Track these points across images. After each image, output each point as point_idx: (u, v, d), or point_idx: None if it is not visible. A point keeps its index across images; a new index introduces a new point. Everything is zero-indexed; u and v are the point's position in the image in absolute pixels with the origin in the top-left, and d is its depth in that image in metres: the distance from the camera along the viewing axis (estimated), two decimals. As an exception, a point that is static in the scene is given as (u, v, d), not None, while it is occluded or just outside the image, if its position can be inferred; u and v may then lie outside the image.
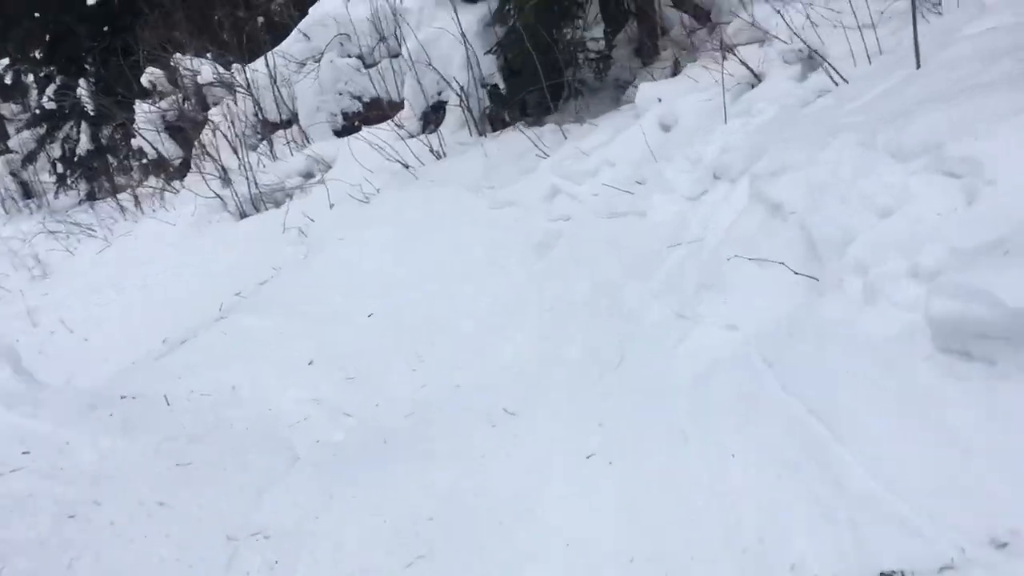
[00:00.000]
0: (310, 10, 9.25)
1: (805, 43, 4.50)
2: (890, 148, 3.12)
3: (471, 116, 7.52)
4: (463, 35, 7.15)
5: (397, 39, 8.25)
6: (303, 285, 6.06)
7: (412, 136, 7.87)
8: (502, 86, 7.32)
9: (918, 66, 3.76)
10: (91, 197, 12.77)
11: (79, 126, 12.93)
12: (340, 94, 9.00)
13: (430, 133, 7.75)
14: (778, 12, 4.87)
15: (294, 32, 9.32)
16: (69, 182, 13.51)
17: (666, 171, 4.83)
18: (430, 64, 7.52)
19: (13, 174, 14.24)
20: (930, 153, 2.93)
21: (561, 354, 4.14)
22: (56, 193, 13.62)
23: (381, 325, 5.24)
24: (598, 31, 7.79)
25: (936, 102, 3.21)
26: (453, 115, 7.66)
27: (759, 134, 4.39)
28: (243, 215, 8.43)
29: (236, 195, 8.49)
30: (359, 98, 8.98)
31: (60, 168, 13.51)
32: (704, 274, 3.72)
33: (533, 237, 5.40)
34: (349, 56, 8.91)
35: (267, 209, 8.31)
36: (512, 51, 6.96)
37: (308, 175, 8.45)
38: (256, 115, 9.67)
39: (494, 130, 7.52)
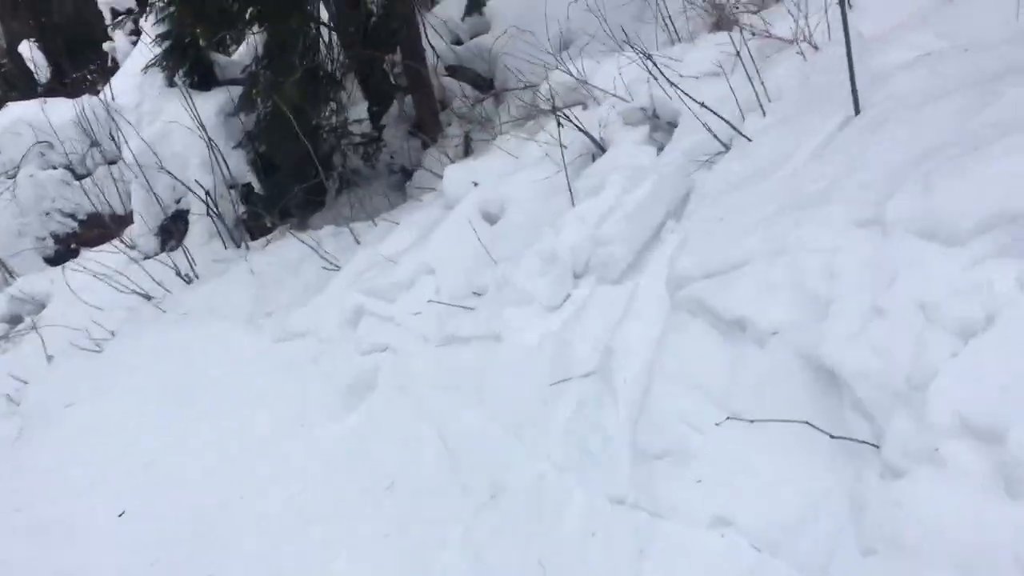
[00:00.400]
0: (-6, 118, 8.05)
1: (694, 100, 3.50)
2: (917, 226, 2.09)
3: (223, 225, 6.36)
4: (202, 128, 5.88)
5: (115, 141, 7.31)
6: (19, 478, 4.65)
7: (148, 257, 6.92)
8: (257, 185, 6.31)
9: (857, 111, 2.83)
10: None
11: None
12: (47, 214, 8.24)
13: (172, 251, 6.78)
14: (643, 65, 3.87)
15: (-23, 146, 8.05)
16: None
17: (514, 275, 3.65)
18: (161, 167, 6.50)
19: None
20: (1002, 228, 1.93)
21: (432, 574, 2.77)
22: None
23: (140, 530, 3.88)
24: (360, 110, 6.77)
25: (948, 151, 2.24)
26: (200, 225, 6.62)
27: (641, 216, 3.31)
28: (-72, 383, 6.73)
29: (-86, 359, 6.94)
30: (72, 216, 8.23)
31: None
32: (646, 433, 2.49)
33: (342, 379, 4.10)
34: (54, 167, 8.32)
35: (-40, 373, 6.79)
36: (267, 141, 5.77)
37: (14, 320, 7.23)
38: (-65, 253, 8.45)
39: (255, 238, 6.28)
